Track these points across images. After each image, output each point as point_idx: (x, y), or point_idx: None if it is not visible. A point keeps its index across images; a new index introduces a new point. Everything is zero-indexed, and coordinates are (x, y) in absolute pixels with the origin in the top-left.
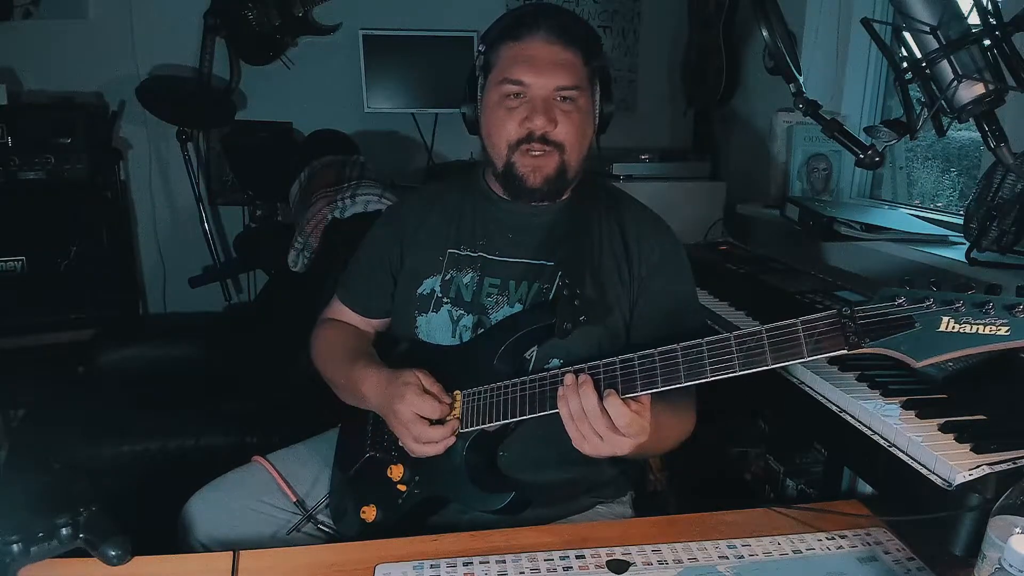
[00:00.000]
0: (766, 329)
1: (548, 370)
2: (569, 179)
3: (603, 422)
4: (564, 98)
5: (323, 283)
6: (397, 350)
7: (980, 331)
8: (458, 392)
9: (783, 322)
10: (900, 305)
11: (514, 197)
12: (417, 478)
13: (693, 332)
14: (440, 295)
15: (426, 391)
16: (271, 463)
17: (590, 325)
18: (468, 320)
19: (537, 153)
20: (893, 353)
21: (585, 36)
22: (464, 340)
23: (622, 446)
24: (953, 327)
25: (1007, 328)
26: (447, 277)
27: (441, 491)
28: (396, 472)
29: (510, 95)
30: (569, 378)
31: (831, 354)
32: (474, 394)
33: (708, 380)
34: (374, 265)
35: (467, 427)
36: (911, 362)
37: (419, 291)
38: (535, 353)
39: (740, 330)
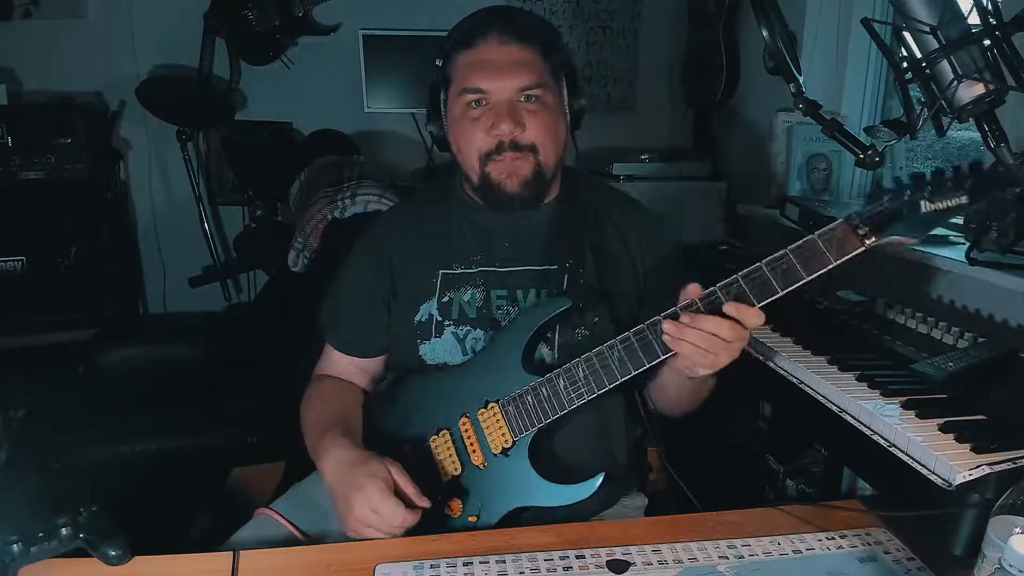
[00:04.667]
0: (789, 250)
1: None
2: (548, 180)
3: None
4: (529, 97)
5: (323, 283)
6: (402, 380)
7: (949, 205)
8: (494, 404)
9: (800, 241)
10: (888, 202)
11: (495, 208)
12: (481, 504)
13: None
14: (440, 319)
15: (396, 490)
16: (281, 515)
17: (605, 313)
18: (478, 334)
19: (508, 160)
20: (898, 239)
21: (541, 32)
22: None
23: (737, 350)
24: (929, 207)
25: (965, 196)
26: (444, 299)
27: (517, 501)
28: (456, 507)
29: (471, 104)
30: (669, 325)
31: (851, 255)
32: (514, 400)
33: (758, 306)
34: (365, 301)
35: (520, 434)
36: (914, 240)
37: (417, 319)
38: (556, 352)
39: (766, 257)
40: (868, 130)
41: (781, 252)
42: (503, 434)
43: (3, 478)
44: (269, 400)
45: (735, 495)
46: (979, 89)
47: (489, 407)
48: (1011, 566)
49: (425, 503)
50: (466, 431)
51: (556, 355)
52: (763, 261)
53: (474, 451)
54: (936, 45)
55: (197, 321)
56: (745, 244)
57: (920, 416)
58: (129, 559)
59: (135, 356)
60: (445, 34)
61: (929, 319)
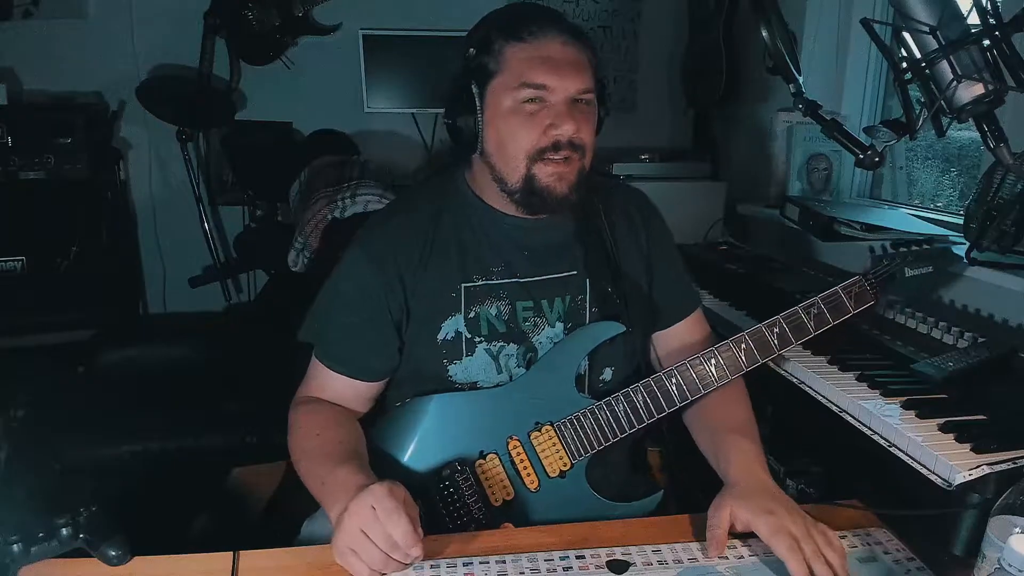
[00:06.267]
0: (820, 297)
1: (603, 381)
2: (583, 185)
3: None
4: (582, 100)
5: (322, 284)
6: (428, 400)
7: (921, 272)
8: (548, 426)
9: (826, 292)
10: (887, 265)
11: (533, 212)
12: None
13: (691, 286)
14: (469, 336)
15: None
16: None
17: (626, 315)
18: (511, 349)
19: (560, 159)
20: (894, 297)
21: (587, 39)
22: (512, 372)
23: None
24: (910, 273)
25: (930, 267)
26: (471, 315)
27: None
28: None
29: (528, 100)
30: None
31: (864, 307)
32: (571, 423)
33: (795, 345)
34: (372, 321)
35: (578, 457)
36: (899, 298)
37: (441, 337)
38: (586, 369)
39: (803, 301)
40: (868, 130)
41: (812, 299)
42: (560, 457)
43: (3, 478)
44: (269, 400)
45: None
46: (978, 89)
47: (543, 430)
48: (1011, 566)
49: (418, 552)
50: (517, 454)
51: (586, 363)
52: (799, 306)
53: (528, 475)
54: (936, 45)
55: (197, 321)
56: (745, 244)
57: (920, 416)
58: (129, 559)
59: (135, 356)
60: (444, 34)
61: (929, 319)
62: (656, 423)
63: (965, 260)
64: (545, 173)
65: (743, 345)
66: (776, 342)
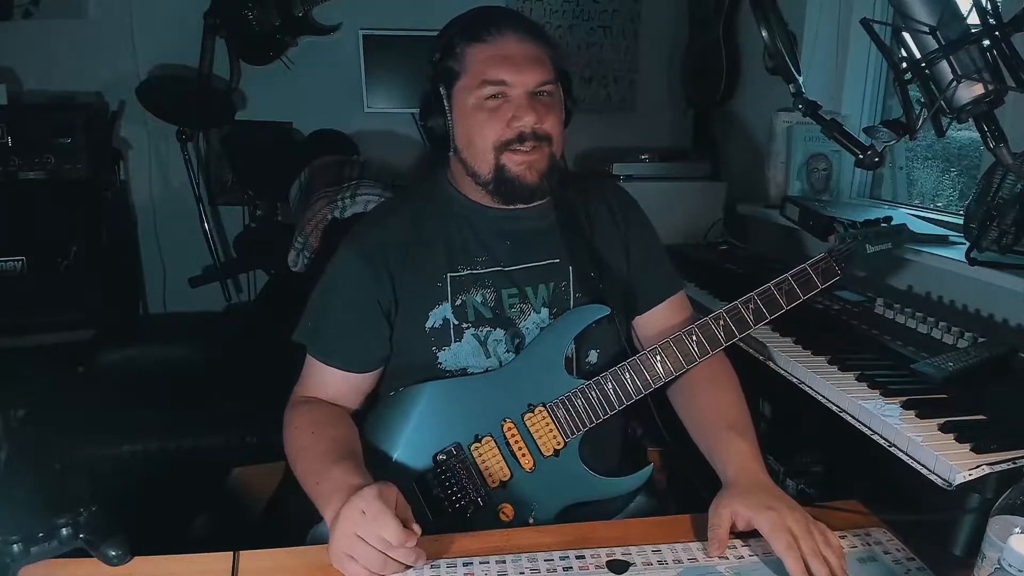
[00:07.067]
0: (790, 274)
1: (589, 363)
2: (555, 173)
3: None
4: (542, 92)
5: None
6: (420, 389)
7: (880, 248)
8: (541, 407)
9: (795, 268)
10: (849, 243)
11: (508, 201)
12: (536, 505)
13: (673, 272)
14: (457, 322)
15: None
16: None
17: (621, 305)
18: (499, 335)
19: (527, 149)
20: (856, 271)
21: (545, 34)
22: (501, 357)
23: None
24: (870, 249)
25: (889, 244)
26: (457, 303)
27: (573, 498)
28: (509, 511)
29: (490, 97)
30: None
31: (830, 281)
32: (562, 403)
33: (768, 321)
34: (365, 315)
35: (570, 436)
36: (863, 272)
37: (429, 325)
38: (573, 351)
39: (771, 280)
40: (867, 130)
41: (783, 276)
42: (554, 436)
43: (3, 478)
44: (269, 400)
45: None
46: (978, 89)
47: (536, 411)
48: (1010, 566)
49: (412, 544)
50: (512, 436)
51: (573, 346)
52: (771, 283)
53: (523, 455)
54: (935, 45)
55: (197, 321)
56: (745, 244)
57: (920, 416)
58: (129, 559)
59: (135, 356)
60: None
61: (929, 319)
62: (655, 422)
63: (965, 260)
64: (514, 162)
65: (721, 321)
66: (751, 317)
